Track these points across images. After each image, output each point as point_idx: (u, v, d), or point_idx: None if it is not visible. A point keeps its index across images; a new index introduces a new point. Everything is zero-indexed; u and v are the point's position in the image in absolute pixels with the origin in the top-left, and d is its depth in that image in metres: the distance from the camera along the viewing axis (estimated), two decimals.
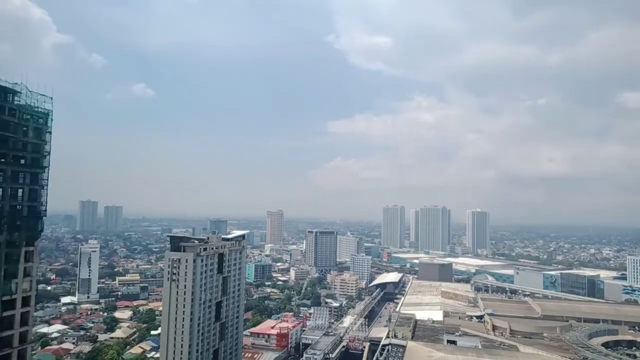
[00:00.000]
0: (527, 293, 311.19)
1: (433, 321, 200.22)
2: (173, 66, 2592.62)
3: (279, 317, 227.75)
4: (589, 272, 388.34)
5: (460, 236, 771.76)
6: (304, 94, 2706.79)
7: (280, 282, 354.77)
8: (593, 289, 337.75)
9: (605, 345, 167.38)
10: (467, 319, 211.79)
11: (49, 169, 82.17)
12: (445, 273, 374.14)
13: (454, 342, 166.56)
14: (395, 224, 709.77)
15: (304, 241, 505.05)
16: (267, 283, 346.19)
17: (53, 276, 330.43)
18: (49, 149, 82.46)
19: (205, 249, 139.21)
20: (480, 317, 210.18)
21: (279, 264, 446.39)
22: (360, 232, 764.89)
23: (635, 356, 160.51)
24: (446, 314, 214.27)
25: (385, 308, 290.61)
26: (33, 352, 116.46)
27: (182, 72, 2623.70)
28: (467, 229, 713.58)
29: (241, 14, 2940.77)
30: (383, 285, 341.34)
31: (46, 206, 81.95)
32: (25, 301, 78.26)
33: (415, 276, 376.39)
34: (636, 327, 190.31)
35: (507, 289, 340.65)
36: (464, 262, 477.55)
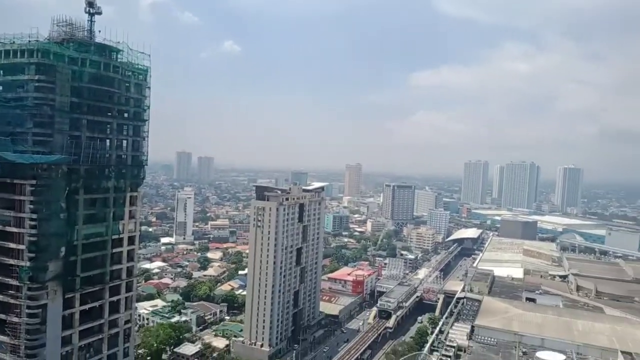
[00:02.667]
0: (619, 255, 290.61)
1: (512, 278, 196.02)
2: (259, 21, 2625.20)
3: (355, 265, 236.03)
4: None
5: (549, 194, 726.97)
6: (387, 46, 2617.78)
7: (357, 233, 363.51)
8: None
9: None
10: (549, 278, 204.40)
11: (149, 122, 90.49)
12: (529, 231, 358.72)
13: (533, 300, 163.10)
14: (477, 180, 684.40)
15: (381, 194, 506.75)
16: (344, 233, 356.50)
17: (154, 219, 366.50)
18: (149, 104, 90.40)
19: (287, 199, 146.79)
20: (564, 277, 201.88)
21: (356, 215, 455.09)
22: (439, 187, 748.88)
23: None
24: (527, 272, 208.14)
25: (462, 264, 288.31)
26: (138, 284, 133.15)
27: (267, 27, 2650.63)
28: (556, 186, 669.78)
29: None
30: (460, 241, 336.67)
31: (147, 156, 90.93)
32: (131, 240, 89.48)
33: (496, 233, 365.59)
34: None
35: (596, 249, 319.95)
36: (550, 221, 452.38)
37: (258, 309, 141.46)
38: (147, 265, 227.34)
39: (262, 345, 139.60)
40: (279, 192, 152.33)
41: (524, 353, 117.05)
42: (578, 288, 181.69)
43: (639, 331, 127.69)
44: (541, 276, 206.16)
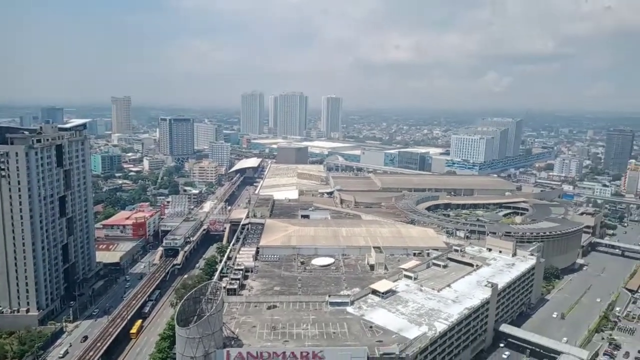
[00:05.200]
0: (371, 170, 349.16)
1: (289, 200, 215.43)
2: None
3: (134, 208, 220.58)
4: (421, 150, 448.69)
5: (316, 121, 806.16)
6: None
7: (132, 173, 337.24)
8: (423, 163, 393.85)
9: (428, 208, 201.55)
10: (319, 195, 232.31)
11: None
12: (302, 156, 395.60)
13: (307, 216, 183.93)
14: (254, 111, 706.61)
15: (157, 130, 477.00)
16: (117, 174, 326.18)
17: None
18: None
19: (39, 141, 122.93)
20: (330, 193, 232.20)
21: (129, 154, 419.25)
22: (218, 120, 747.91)
23: (448, 215, 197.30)
24: (301, 193, 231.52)
25: (246, 191, 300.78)
26: None
27: None
28: (322, 114, 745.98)
29: None
30: (243, 171, 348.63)
31: None
32: None
33: (274, 160, 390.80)
34: (452, 193, 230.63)
35: (354, 167, 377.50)
36: (318, 145, 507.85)
37: (17, 272, 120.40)
38: None
39: (28, 311, 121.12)
40: (27, 132, 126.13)
41: (302, 263, 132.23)
42: (342, 201, 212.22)
43: (384, 229, 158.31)
44: (313, 195, 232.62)
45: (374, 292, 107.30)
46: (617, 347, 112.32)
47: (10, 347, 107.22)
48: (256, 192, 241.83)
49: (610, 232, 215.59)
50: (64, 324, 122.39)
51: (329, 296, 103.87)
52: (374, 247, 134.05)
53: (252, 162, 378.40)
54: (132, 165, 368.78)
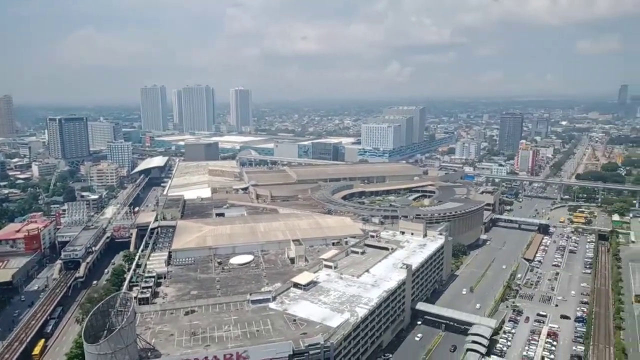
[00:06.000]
0: (285, 163, 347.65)
1: (202, 199, 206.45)
2: None
3: (24, 219, 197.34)
4: (333, 140, 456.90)
5: (225, 115, 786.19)
6: None
7: (20, 181, 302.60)
8: (337, 153, 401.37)
9: (344, 197, 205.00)
10: (233, 192, 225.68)
11: None
12: (212, 152, 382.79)
13: (222, 215, 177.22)
14: (157, 106, 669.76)
15: (46, 131, 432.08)
16: (2, 183, 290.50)
17: None
18: None
19: None
20: (245, 189, 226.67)
21: (15, 160, 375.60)
22: (116, 117, 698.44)
23: (363, 202, 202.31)
24: (214, 191, 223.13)
25: (152, 194, 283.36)
26: None
27: None
28: (231, 108, 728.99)
29: None
30: (148, 171, 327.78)
31: None
32: None
33: (182, 158, 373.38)
34: (365, 180, 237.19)
35: (268, 161, 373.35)
36: (229, 140, 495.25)
37: None
38: None
39: None
40: None
41: (219, 263, 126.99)
42: (257, 196, 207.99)
43: (302, 221, 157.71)
44: (227, 192, 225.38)
45: (296, 285, 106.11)
46: (520, 312, 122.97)
47: None
48: (164, 192, 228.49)
49: (508, 207, 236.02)
50: None
51: (250, 294, 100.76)
52: (293, 240, 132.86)
53: (158, 161, 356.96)
54: (19, 172, 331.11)
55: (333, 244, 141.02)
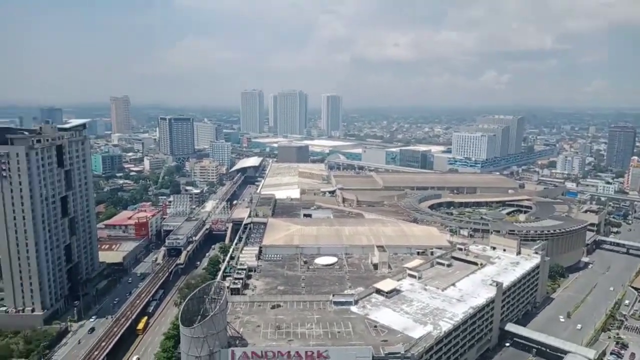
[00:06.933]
0: (372, 168, 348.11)
1: (291, 199, 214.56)
2: None
3: (135, 208, 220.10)
4: (422, 148, 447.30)
5: (316, 119, 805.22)
6: None
7: (133, 173, 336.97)
8: (425, 161, 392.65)
9: (431, 207, 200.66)
10: (321, 194, 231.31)
11: None
12: (302, 155, 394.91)
13: (309, 216, 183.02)
14: (254, 109, 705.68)
15: (157, 129, 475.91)
16: (118, 174, 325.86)
17: None
18: None
19: (39, 141, 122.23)
20: (332, 192, 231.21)
21: (130, 154, 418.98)
22: (218, 119, 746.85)
23: (451, 213, 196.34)
24: (303, 192, 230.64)
25: (247, 191, 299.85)
26: None
27: None
28: (322, 113, 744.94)
29: None
30: (244, 170, 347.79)
31: None
32: None
33: (275, 159, 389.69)
34: (454, 191, 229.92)
35: (356, 166, 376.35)
36: (319, 144, 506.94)
37: (21, 272, 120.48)
38: None
39: (33, 310, 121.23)
40: (27, 133, 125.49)
41: (305, 262, 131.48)
42: (344, 200, 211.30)
43: (387, 228, 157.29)
44: (314, 194, 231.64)
45: (378, 291, 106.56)
46: (625, 346, 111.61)
47: (17, 346, 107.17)
48: (258, 191, 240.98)
49: (615, 229, 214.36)
50: (68, 323, 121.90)
51: (333, 295, 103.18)
52: (377, 246, 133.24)
53: (253, 161, 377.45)
54: (132, 165, 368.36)
55: (418, 253, 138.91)
